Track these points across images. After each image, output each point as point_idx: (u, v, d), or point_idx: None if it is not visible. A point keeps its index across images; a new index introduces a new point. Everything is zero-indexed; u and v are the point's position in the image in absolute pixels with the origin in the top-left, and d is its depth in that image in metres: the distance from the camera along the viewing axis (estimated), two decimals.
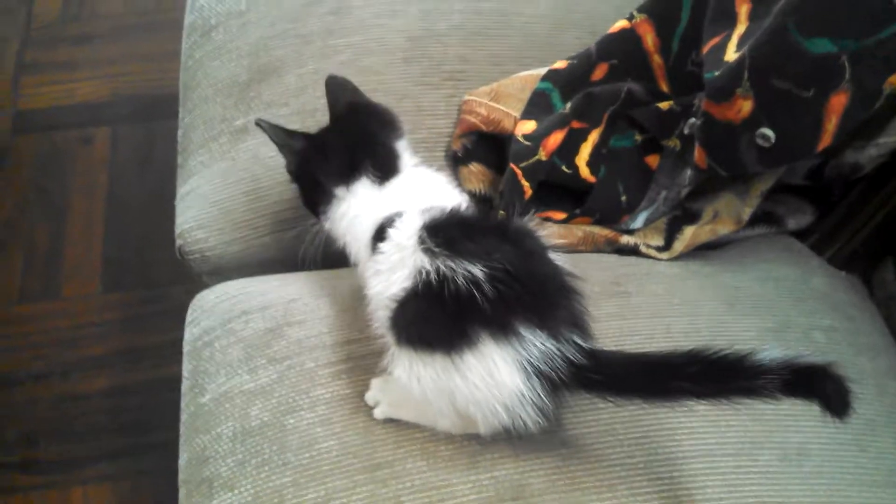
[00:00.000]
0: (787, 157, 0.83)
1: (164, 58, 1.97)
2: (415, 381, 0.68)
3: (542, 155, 0.92)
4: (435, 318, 0.66)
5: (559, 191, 0.95)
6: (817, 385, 0.60)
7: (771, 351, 0.59)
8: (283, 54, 1.04)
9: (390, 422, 0.75)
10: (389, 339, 0.70)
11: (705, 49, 0.87)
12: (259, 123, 0.82)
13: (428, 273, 0.66)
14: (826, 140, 0.77)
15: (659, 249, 0.92)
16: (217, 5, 1.12)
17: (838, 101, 0.75)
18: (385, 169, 0.81)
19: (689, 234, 0.91)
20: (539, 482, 0.72)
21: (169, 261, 1.00)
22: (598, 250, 0.94)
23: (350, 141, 0.82)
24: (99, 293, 1.62)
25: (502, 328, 0.64)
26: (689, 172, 0.89)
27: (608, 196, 0.93)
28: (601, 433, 0.75)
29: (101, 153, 1.84)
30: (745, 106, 0.80)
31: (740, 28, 0.86)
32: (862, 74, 0.73)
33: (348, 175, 0.80)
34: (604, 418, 0.76)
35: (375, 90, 1.00)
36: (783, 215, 0.98)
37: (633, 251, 0.93)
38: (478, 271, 0.64)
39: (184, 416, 0.84)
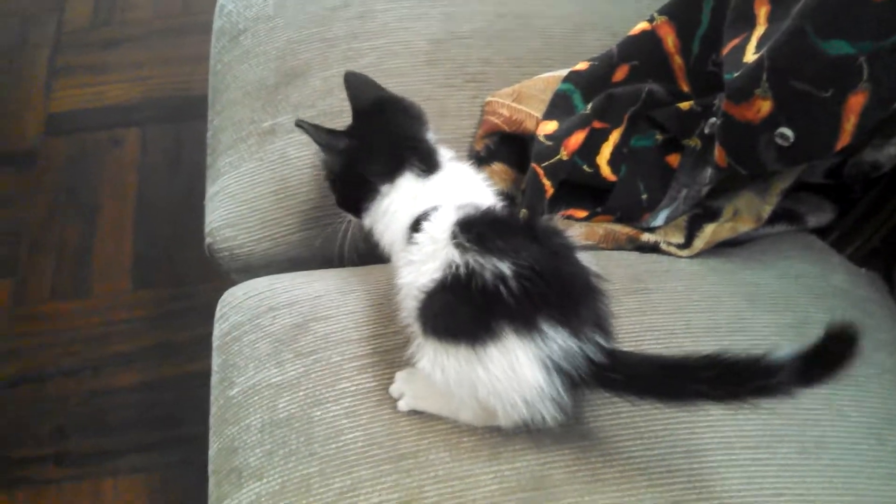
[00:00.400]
0: (805, 157, 0.84)
1: (192, 61, 2.02)
2: (438, 371, 0.70)
3: (564, 154, 0.93)
4: (461, 311, 0.68)
5: (580, 189, 0.96)
6: (829, 365, 0.61)
7: (783, 349, 0.61)
8: (310, 58, 1.07)
9: (414, 414, 0.77)
10: (416, 328, 0.72)
11: (725, 50, 0.88)
12: (300, 124, 0.83)
13: (457, 266, 0.68)
14: (845, 139, 0.78)
15: (679, 247, 0.93)
16: (245, 10, 1.15)
17: (857, 101, 0.76)
18: (429, 163, 0.82)
19: (709, 232, 0.92)
20: (560, 473, 0.73)
21: (197, 259, 1.03)
22: (619, 248, 0.95)
23: (391, 137, 0.84)
24: (129, 291, 1.65)
25: (526, 324, 0.66)
26: (709, 171, 0.90)
27: (629, 194, 0.95)
28: (621, 426, 0.76)
29: (130, 154, 1.88)
30: (764, 106, 0.81)
31: (759, 30, 0.87)
32: (880, 74, 0.74)
33: (394, 170, 0.82)
34: (623, 411, 0.77)
35: (400, 92, 1.01)
36: (803, 213, 0.99)
37: (654, 248, 0.94)
38: (505, 268, 0.66)
39: (213, 409, 0.86)
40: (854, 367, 0.81)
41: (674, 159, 0.95)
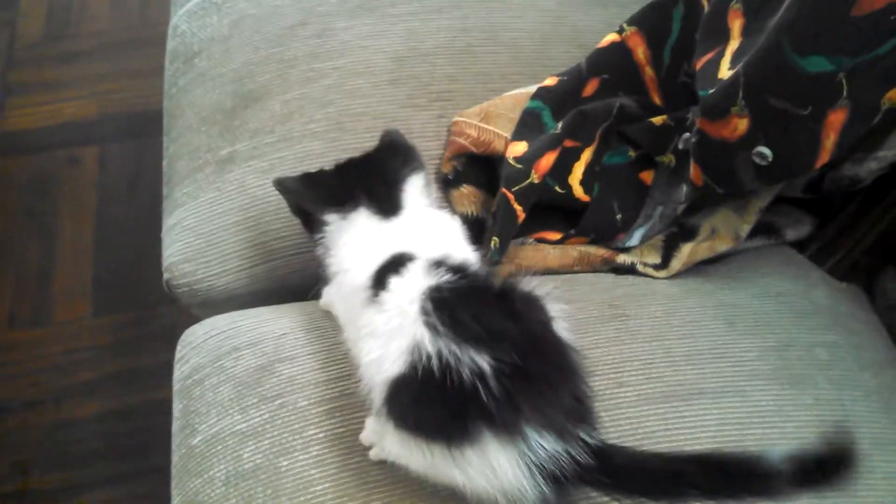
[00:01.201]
0: (784, 175, 0.81)
1: (151, 73, 1.94)
2: (406, 459, 0.66)
3: (535, 178, 0.90)
4: (435, 408, 0.62)
5: (552, 210, 0.93)
6: (826, 473, 0.59)
7: (777, 450, 0.59)
8: (268, 80, 1.02)
9: (386, 462, 0.74)
10: (382, 414, 0.66)
11: (699, 65, 0.86)
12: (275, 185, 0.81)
13: (429, 357, 0.62)
14: (824, 157, 0.76)
15: (656, 268, 0.90)
16: (199, 31, 1.10)
17: (836, 118, 0.73)
18: (384, 201, 0.78)
19: (686, 252, 0.89)
20: None
21: (159, 280, 0.99)
22: (595, 270, 0.92)
23: (350, 171, 0.81)
24: (90, 316, 1.60)
25: (507, 429, 0.60)
26: (684, 189, 0.87)
27: (603, 214, 0.92)
28: None
29: (89, 173, 1.82)
30: (741, 124, 0.78)
31: (733, 44, 0.84)
32: (859, 91, 0.71)
33: (342, 202, 0.78)
34: None
35: (363, 114, 0.99)
36: (782, 226, 0.96)
37: (630, 270, 0.91)
38: (485, 364, 0.60)
39: (175, 458, 0.82)
40: (841, 389, 0.81)
41: (647, 176, 0.92)
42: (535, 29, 1.07)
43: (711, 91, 0.81)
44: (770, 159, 0.79)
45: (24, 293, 1.64)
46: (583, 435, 0.62)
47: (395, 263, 0.70)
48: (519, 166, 0.90)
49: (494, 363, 0.60)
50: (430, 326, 0.63)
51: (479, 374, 0.60)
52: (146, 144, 1.86)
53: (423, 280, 0.67)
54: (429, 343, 0.62)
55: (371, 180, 0.79)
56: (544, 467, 0.61)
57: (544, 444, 0.60)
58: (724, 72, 0.83)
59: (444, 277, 0.67)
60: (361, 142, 0.97)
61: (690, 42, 0.94)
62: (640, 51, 0.98)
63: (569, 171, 0.93)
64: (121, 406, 1.49)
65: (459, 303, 0.65)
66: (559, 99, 0.98)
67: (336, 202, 0.78)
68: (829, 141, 0.75)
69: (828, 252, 0.97)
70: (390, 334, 0.66)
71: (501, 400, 0.60)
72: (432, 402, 0.62)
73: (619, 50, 0.99)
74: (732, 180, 0.83)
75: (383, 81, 1.02)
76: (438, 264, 0.69)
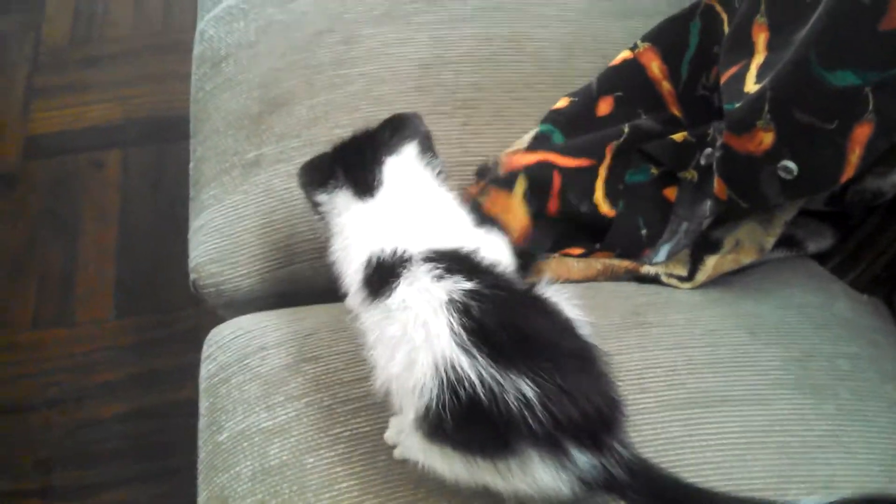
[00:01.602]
0: (810, 189, 0.82)
1: (174, 78, 1.97)
2: (440, 468, 0.66)
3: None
4: (477, 429, 0.61)
5: (577, 228, 0.94)
6: None
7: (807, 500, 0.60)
8: (294, 85, 1.04)
9: (410, 461, 0.74)
10: (416, 428, 0.64)
11: (724, 79, 0.86)
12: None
13: (470, 382, 0.59)
14: (849, 171, 0.76)
15: (681, 279, 0.91)
16: (226, 36, 1.12)
17: (862, 133, 0.74)
18: (360, 178, 0.73)
19: (710, 265, 0.89)
20: None
21: (182, 283, 1.00)
22: (617, 279, 0.93)
23: (342, 148, 0.77)
24: (112, 318, 1.62)
25: (551, 448, 0.60)
26: (709, 204, 0.88)
27: (628, 230, 0.92)
28: None
29: (112, 176, 1.85)
30: (767, 138, 0.79)
31: (758, 58, 0.84)
32: (885, 105, 0.72)
33: (326, 182, 0.74)
34: None
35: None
36: (803, 239, 0.97)
37: (654, 280, 0.92)
38: (530, 392, 0.58)
39: (202, 454, 0.83)
40: (863, 400, 0.81)
41: (671, 192, 0.93)
42: (558, 39, 1.08)
43: (738, 105, 0.82)
44: (795, 173, 0.79)
45: (47, 294, 1.66)
46: (617, 446, 0.62)
47: (395, 260, 0.67)
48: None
49: (538, 390, 0.59)
50: (462, 349, 0.60)
51: (525, 402, 0.58)
52: (169, 149, 1.88)
53: (437, 285, 0.64)
54: (467, 367, 0.60)
55: (353, 155, 0.76)
56: (583, 479, 0.61)
57: (586, 460, 0.61)
58: (751, 86, 0.83)
59: (464, 285, 0.63)
60: None
61: (709, 55, 0.94)
62: (655, 66, 0.99)
63: (592, 191, 0.94)
64: (142, 407, 1.51)
65: (489, 318, 0.61)
66: (571, 120, 0.99)
67: (322, 182, 0.75)
68: (855, 155, 0.76)
69: (849, 265, 0.97)
70: (408, 347, 0.63)
71: (546, 424, 0.59)
72: (474, 424, 0.61)
73: (632, 66, 1.00)
74: (757, 194, 0.83)
75: (409, 88, 1.03)
76: (448, 263, 0.65)
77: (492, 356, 0.60)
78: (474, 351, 0.60)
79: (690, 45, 0.97)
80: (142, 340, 1.59)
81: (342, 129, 0.99)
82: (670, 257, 0.91)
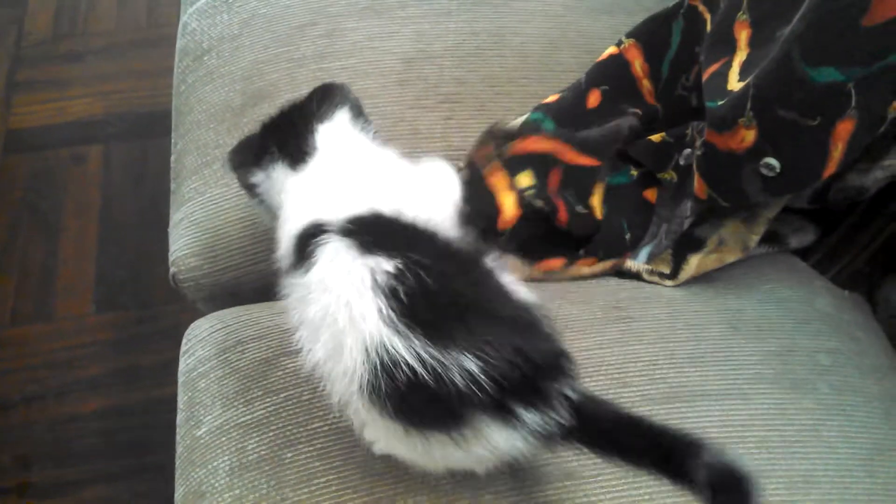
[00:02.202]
0: (792, 186, 0.82)
1: (157, 74, 1.97)
2: (401, 451, 0.66)
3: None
4: (424, 406, 0.60)
5: (553, 237, 0.92)
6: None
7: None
8: (277, 78, 1.03)
9: (390, 456, 0.74)
10: (362, 406, 0.62)
11: (705, 76, 0.86)
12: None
13: (409, 366, 0.58)
14: (832, 167, 0.76)
15: (663, 276, 0.91)
16: (209, 29, 1.11)
17: (844, 128, 0.74)
18: (293, 149, 0.70)
19: (694, 264, 0.89)
20: None
21: (163, 279, 0.99)
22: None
23: (272, 124, 0.76)
24: (92, 313, 1.60)
25: (500, 413, 0.60)
26: (689, 203, 0.88)
27: (612, 233, 0.92)
28: (605, 465, 0.73)
29: (93, 171, 1.83)
30: (749, 136, 0.79)
31: (741, 55, 0.84)
32: (867, 100, 0.72)
33: (260, 160, 0.72)
34: None
35: (370, 114, 0.98)
36: (785, 234, 0.97)
37: (636, 276, 0.91)
38: (472, 365, 0.57)
39: (179, 449, 0.82)
40: (843, 394, 0.81)
41: (652, 194, 0.93)
42: (542, 34, 1.08)
43: (721, 102, 0.82)
44: (778, 170, 0.79)
45: (27, 289, 1.65)
46: (566, 391, 0.61)
47: (316, 232, 0.64)
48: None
49: (481, 362, 0.58)
50: (395, 331, 0.59)
51: (470, 376, 0.58)
52: (151, 144, 1.87)
53: (359, 263, 0.61)
54: (402, 349, 0.58)
55: (285, 128, 0.74)
56: (536, 433, 0.61)
57: (533, 416, 0.60)
58: (734, 83, 0.83)
59: (388, 265, 0.60)
60: None
61: (690, 55, 0.94)
62: (638, 63, 0.99)
63: (590, 191, 0.93)
64: (122, 403, 1.49)
65: (419, 297, 0.59)
66: (562, 111, 0.98)
67: (256, 160, 0.73)
68: (838, 151, 0.76)
69: (831, 260, 0.97)
70: (332, 329, 0.61)
71: (493, 392, 0.58)
72: (420, 403, 0.60)
73: (617, 62, 1.00)
74: (739, 193, 0.83)
75: (391, 82, 1.02)
76: (362, 233, 0.62)
77: (428, 335, 0.58)
78: (408, 332, 0.58)
79: (672, 45, 0.97)
80: (123, 336, 1.58)
81: None
82: (651, 259, 0.90)
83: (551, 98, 1.00)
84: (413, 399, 0.60)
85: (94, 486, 1.40)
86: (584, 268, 0.92)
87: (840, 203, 0.89)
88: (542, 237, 0.92)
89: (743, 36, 0.86)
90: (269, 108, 1.01)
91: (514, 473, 0.72)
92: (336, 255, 0.62)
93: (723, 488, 0.57)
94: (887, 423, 0.81)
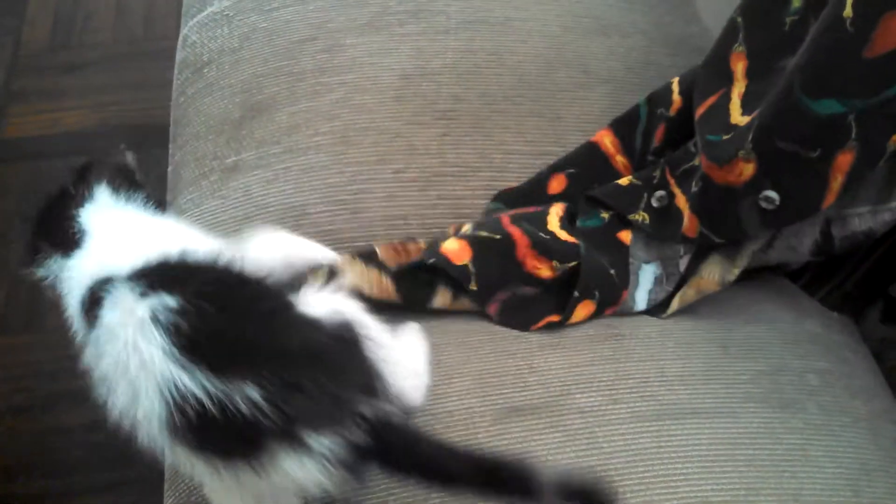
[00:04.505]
0: (791, 218, 0.82)
1: (153, 86, 1.96)
2: (214, 484, 0.66)
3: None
4: (221, 435, 0.60)
5: (543, 295, 0.90)
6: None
7: (550, 470, 0.61)
8: (276, 92, 1.04)
9: None
10: (168, 446, 0.63)
11: (701, 110, 0.87)
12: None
13: (197, 399, 0.59)
14: (830, 199, 0.77)
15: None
16: (209, 42, 1.12)
17: (844, 160, 0.75)
18: (59, 238, 0.72)
19: (675, 305, 0.89)
20: None
21: None
22: None
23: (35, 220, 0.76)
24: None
25: (288, 440, 0.60)
26: (677, 246, 0.88)
27: (597, 270, 0.89)
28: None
29: None
30: (747, 169, 0.79)
31: (739, 86, 0.85)
32: (868, 133, 0.73)
33: (34, 256, 0.74)
34: (596, 464, 0.75)
35: (368, 128, 1.01)
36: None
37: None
38: (255, 394, 0.58)
39: (169, 458, 0.82)
40: (831, 414, 0.82)
41: (625, 235, 0.92)
42: (539, 54, 1.09)
43: (726, 137, 0.82)
44: (777, 203, 0.79)
45: (17, 300, 1.64)
46: (363, 411, 0.62)
47: (98, 286, 0.65)
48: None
49: (263, 390, 0.59)
50: (181, 367, 0.59)
51: (254, 404, 0.58)
52: (145, 156, 1.84)
53: (141, 305, 0.62)
54: (189, 384, 0.59)
55: (48, 222, 0.75)
56: (332, 460, 0.61)
57: (326, 443, 0.60)
58: (737, 116, 0.84)
59: (169, 301, 0.61)
60: (366, 156, 0.99)
61: (654, 120, 0.96)
62: (607, 140, 0.99)
63: (544, 222, 0.93)
64: (110, 416, 1.48)
65: (201, 331, 0.61)
66: (522, 195, 0.97)
67: (33, 261, 0.74)
68: (837, 182, 0.76)
69: (820, 282, 0.98)
70: (127, 378, 0.62)
71: (278, 418, 0.59)
72: (216, 435, 0.60)
73: (585, 146, 1.00)
74: (736, 227, 0.83)
75: (389, 98, 1.03)
76: (146, 276, 0.64)
77: (212, 368, 0.59)
78: (192, 367, 0.59)
79: (641, 117, 0.98)
80: None
81: (322, 136, 1.00)
82: (651, 305, 0.90)
83: (511, 185, 1.00)
84: (208, 431, 0.60)
85: (79, 499, 1.39)
86: (582, 313, 0.90)
87: (846, 250, 0.88)
88: (528, 299, 0.90)
89: (739, 67, 0.88)
90: (267, 122, 1.02)
91: None
92: (120, 300, 0.63)
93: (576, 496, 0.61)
94: (874, 444, 0.82)
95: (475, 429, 0.77)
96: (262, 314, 0.65)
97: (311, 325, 0.66)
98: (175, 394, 0.59)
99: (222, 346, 0.61)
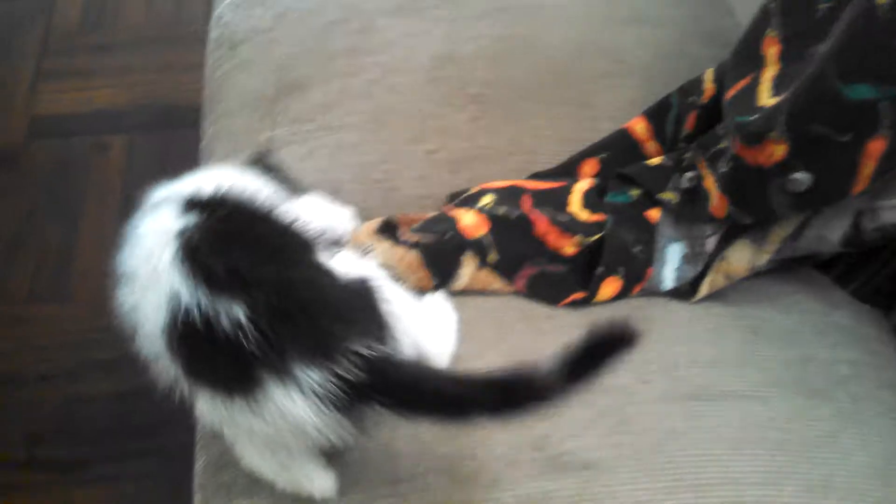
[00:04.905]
0: (819, 202, 0.82)
1: (183, 69, 1.98)
2: (217, 419, 0.67)
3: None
4: (218, 360, 0.62)
5: (568, 274, 0.91)
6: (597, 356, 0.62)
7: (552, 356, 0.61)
8: (310, 71, 1.05)
9: (412, 436, 0.75)
10: (168, 359, 0.65)
11: (731, 93, 0.87)
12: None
13: (188, 311, 0.60)
14: (861, 185, 0.77)
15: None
16: (243, 21, 1.13)
17: (875, 147, 0.74)
18: None
19: (705, 289, 0.89)
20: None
21: None
22: None
23: None
24: (110, 298, 1.61)
25: (277, 371, 0.60)
26: (705, 226, 0.88)
27: (621, 247, 0.89)
28: (626, 457, 0.74)
29: (116, 161, 1.85)
30: (778, 150, 0.79)
31: (771, 70, 0.85)
32: None
33: None
34: (626, 441, 0.75)
35: (400, 109, 1.02)
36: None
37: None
38: (241, 314, 0.60)
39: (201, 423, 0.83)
40: (861, 404, 0.81)
41: (653, 214, 0.92)
42: (571, 41, 1.09)
43: (753, 117, 0.82)
44: (806, 185, 0.79)
45: (45, 271, 1.66)
46: (358, 349, 0.61)
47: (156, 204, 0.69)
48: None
49: (250, 312, 0.60)
50: (182, 274, 0.62)
51: (238, 324, 0.59)
52: (174, 137, 1.88)
53: (174, 221, 0.65)
54: (188, 295, 0.61)
55: None
56: (323, 396, 0.61)
57: (313, 374, 0.60)
58: (765, 98, 0.84)
59: (196, 217, 0.64)
60: (398, 136, 1.00)
61: (685, 107, 0.96)
62: (639, 127, 0.99)
63: (565, 204, 0.93)
64: (134, 387, 1.49)
65: (212, 248, 0.63)
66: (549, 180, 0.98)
67: None
68: (868, 169, 0.76)
69: (852, 275, 0.97)
70: (143, 277, 0.64)
71: (264, 345, 0.59)
72: (214, 355, 0.61)
73: (616, 132, 1.00)
74: (764, 209, 0.83)
75: (421, 80, 1.04)
76: (192, 201, 0.67)
77: (208, 282, 0.61)
78: (191, 279, 0.61)
79: (673, 105, 0.99)
80: None
81: (356, 115, 1.01)
82: (679, 283, 0.89)
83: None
84: (200, 351, 0.62)
85: (101, 465, 1.41)
86: (608, 291, 0.90)
87: (878, 242, 0.87)
88: (555, 276, 0.91)
89: (772, 52, 0.87)
90: (301, 99, 1.03)
91: (537, 461, 0.73)
92: (161, 213, 0.67)
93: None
94: None
95: None
96: (275, 247, 0.66)
97: (323, 269, 0.66)
98: (176, 305, 0.61)
99: (224, 264, 0.62)
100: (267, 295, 0.60)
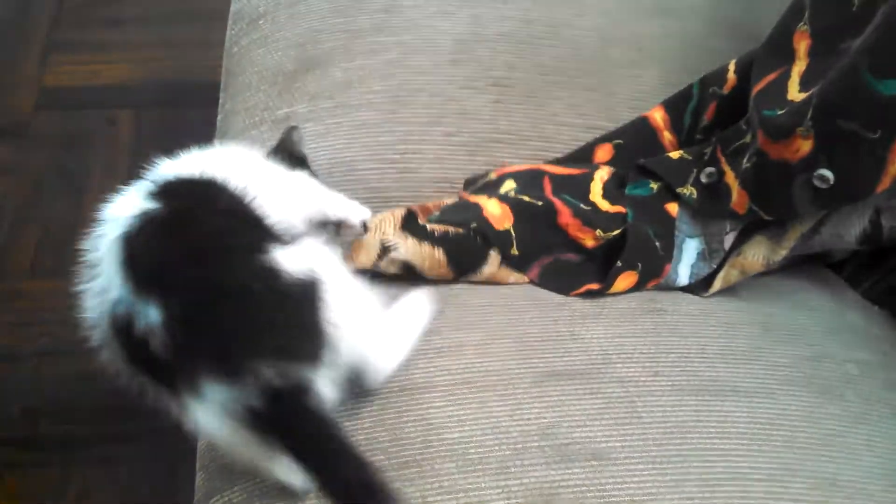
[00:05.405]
0: (843, 199, 0.82)
1: (195, 46, 1.97)
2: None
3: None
4: (147, 360, 0.60)
5: (583, 265, 0.91)
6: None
7: None
8: (331, 48, 1.04)
9: (420, 420, 0.74)
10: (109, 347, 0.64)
11: (759, 86, 0.86)
12: None
13: (117, 305, 0.60)
14: (886, 183, 0.76)
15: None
16: None
17: None
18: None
19: (718, 284, 0.89)
20: (569, 493, 0.71)
21: None
22: None
23: None
24: None
25: (185, 381, 0.59)
26: (724, 222, 0.88)
27: (642, 242, 0.89)
28: (633, 448, 0.74)
29: (124, 135, 1.84)
30: (805, 146, 0.79)
31: (800, 64, 0.85)
32: None
33: None
34: (634, 433, 0.75)
35: (421, 90, 1.01)
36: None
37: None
38: (155, 316, 0.58)
39: None
40: (869, 404, 0.81)
41: (672, 207, 0.92)
42: (595, 28, 1.09)
43: (781, 112, 0.82)
44: (831, 182, 0.79)
45: (49, 246, 1.65)
46: (267, 374, 0.58)
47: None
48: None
49: (164, 317, 0.58)
50: (118, 268, 0.60)
51: (149, 327, 0.58)
52: (183, 114, 1.87)
53: (133, 207, 0.63)
54: (117, 288, 0.60)
55: None
56: (232, 414, 0.59)
57: (216, 390, 0.59)
58: (794, 93, 0.83)
59: (154, 204, 0.63)
60: (418, 116, 0.99)
61: (706, 99, 0.96)
62: (658, 116, 0.99)
63: (587, 192, 0.93)
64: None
65: (147, 242, 0.61)
66: (568, 163, 0.98)
67: None
68: (895, 166, 0.76)
69: (863, 275, 0.97)
70: (99, 263, 0.64)
71: (174, 354, 0.58)
72: (140, 353, 0.60)
73: (635, 119, 1.00)
74: (786, 205, 0.83)
75: (444, 61, 1.03)
76: (161, 186, 0.65)
77: (133, 279, 0.59)
78: (123, 273, 0.60)
79: (693, 96, 0.98)
80: None
81: (375, 94, 1.00)
82: (694, 279, 0.89)
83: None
84: (131, 348, 0.61)
85: (99, 445, 1.41)
86: (623, 284, 0.89)
87: (894, 242, 0.87)
88: (570, 265, 0.91)
89: (802, 46, 0.87)
90: (321, 76, 1.03)
91: (544, 450, 0.73)
92: (130, 196, 0.66)
93: None
94: None
95: (514, 389, 0.77)
96: (216, 247, 0.63)
97: (264, 273, 0.62)
98: (109, 296, 0.61)
99: (150, 261, 0.60)
100: (182, 302, 0.58)
